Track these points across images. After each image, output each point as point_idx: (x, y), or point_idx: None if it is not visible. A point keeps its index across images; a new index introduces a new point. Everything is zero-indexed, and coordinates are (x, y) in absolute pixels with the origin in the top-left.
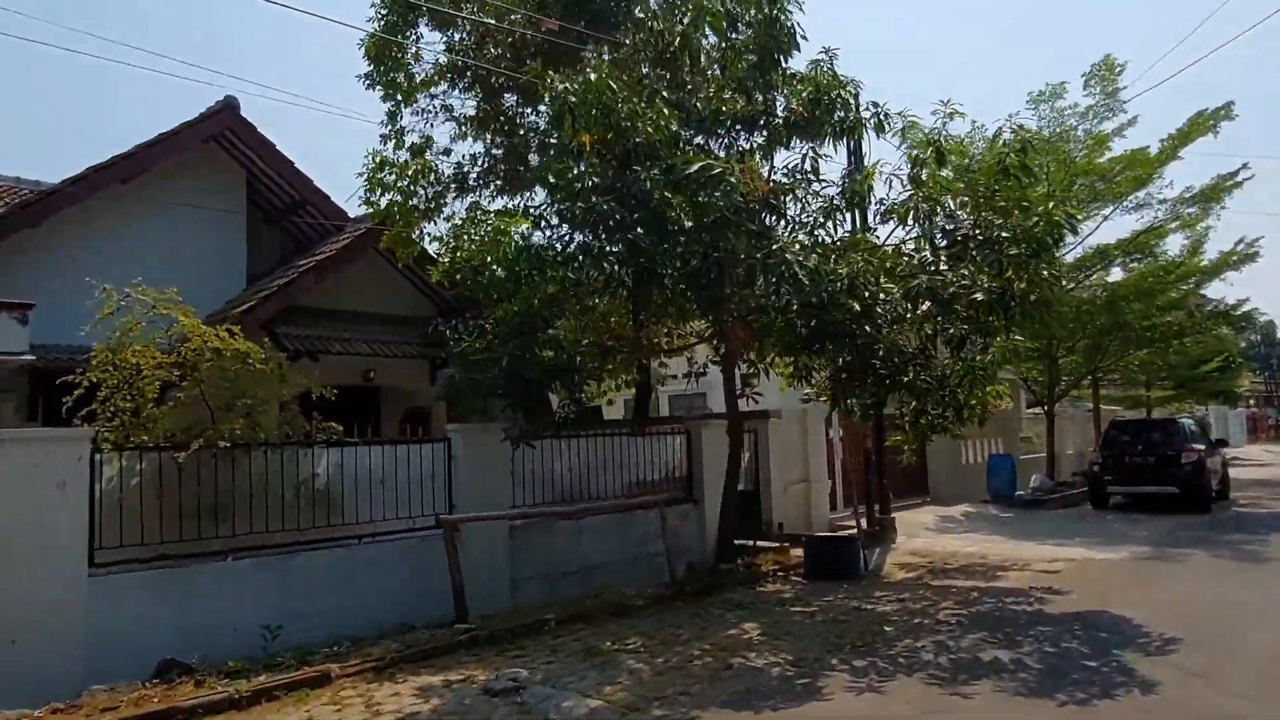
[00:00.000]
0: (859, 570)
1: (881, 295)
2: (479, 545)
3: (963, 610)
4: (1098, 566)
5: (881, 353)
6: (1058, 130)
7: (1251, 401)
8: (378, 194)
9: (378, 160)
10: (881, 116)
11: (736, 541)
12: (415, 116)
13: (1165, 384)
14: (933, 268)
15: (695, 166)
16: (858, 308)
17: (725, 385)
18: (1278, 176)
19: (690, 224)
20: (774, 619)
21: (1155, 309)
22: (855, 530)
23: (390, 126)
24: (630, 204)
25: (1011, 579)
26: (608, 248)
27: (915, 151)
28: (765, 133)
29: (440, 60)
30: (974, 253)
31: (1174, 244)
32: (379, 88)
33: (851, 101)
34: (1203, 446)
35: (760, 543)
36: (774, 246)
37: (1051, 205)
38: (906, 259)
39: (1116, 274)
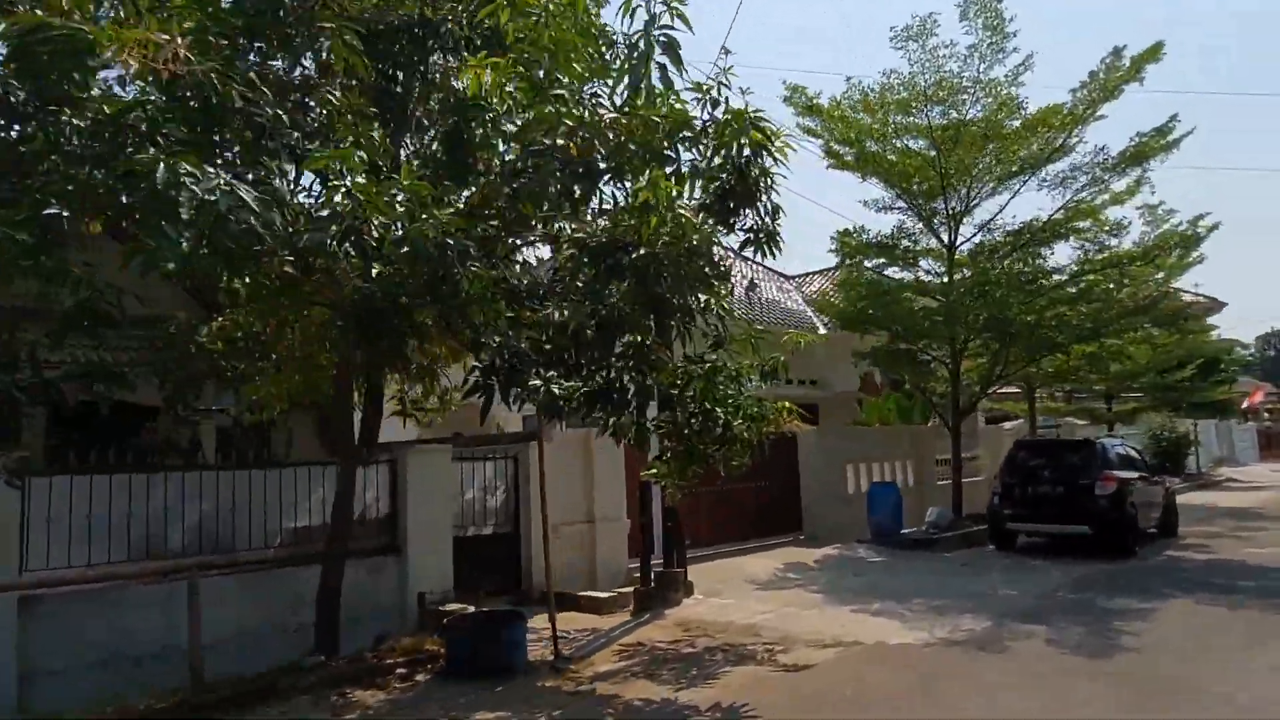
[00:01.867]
0: (518, 664)
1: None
2: None
3: None
4: (877, 659)
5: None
6: (936, 78)
7: (1266, 416)
8: None
9: None
10: None
11: (447, 607)
12: None
13: (1133, 395)
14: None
15: None
16: None
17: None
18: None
19: None
20: None
21: (1047, 302)
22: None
23: None
24: None
25: (733, 681)
26: None
27: None
28: None
29: None
30: None
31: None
32: None
33: None
34: (1131, 474)
35: (518, 607)
36: None
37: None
38: None
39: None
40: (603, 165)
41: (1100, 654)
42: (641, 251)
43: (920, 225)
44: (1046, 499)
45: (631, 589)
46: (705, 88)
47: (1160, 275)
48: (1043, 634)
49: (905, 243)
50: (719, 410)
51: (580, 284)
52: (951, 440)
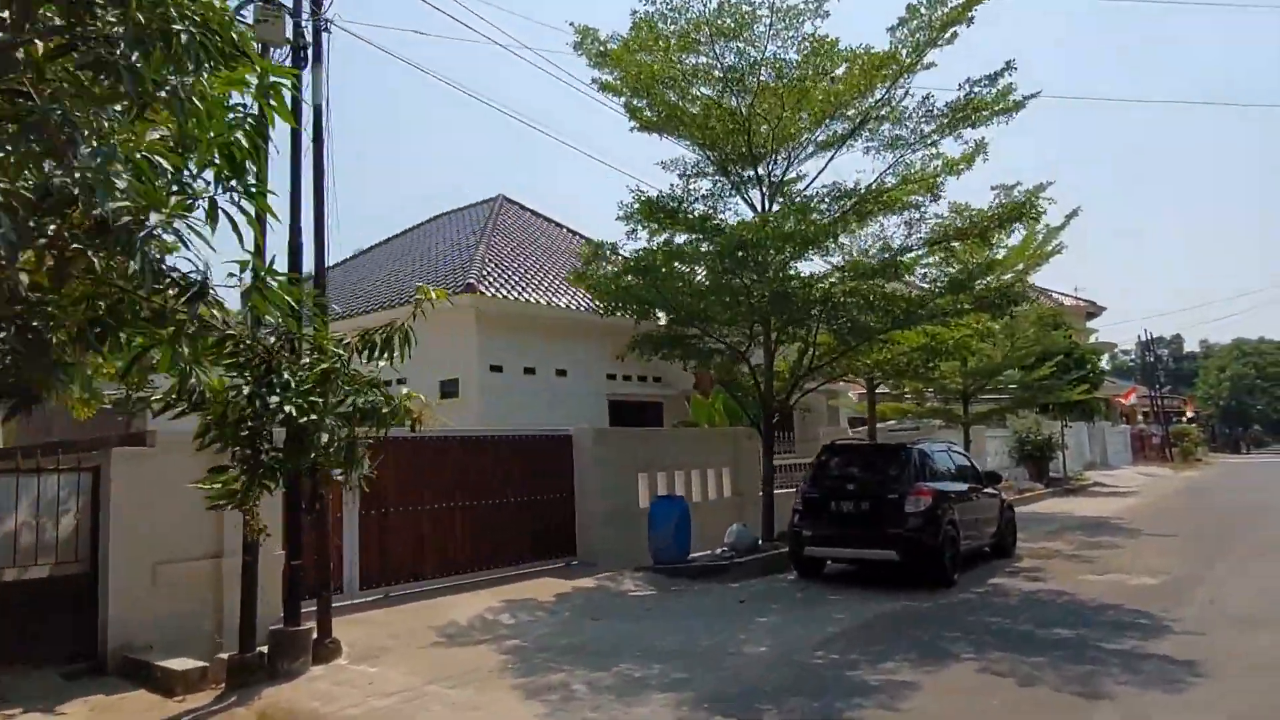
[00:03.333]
0: None
1: None
2: None
3: None
4: None
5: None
6: (716, 3)
7: (1141, 418)
8: None
9: None
10: None
11: None
12: None
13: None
14: None
15: None
16: None
17: None
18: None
19: None
20: None
21: (843, 278)
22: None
23: None
24: None
25: None
26: None
27: None
28: None
29: None
30: None
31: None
32: None
33: None
34: (956, 486)
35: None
36: None
37: None
38: None
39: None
40: None
41: None
42: None
43: (733, 192)
44: (850, 518)
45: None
46: None
47: (1020, 266)
48: None
49: (700, 207)
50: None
51: None
52: (763, 445)
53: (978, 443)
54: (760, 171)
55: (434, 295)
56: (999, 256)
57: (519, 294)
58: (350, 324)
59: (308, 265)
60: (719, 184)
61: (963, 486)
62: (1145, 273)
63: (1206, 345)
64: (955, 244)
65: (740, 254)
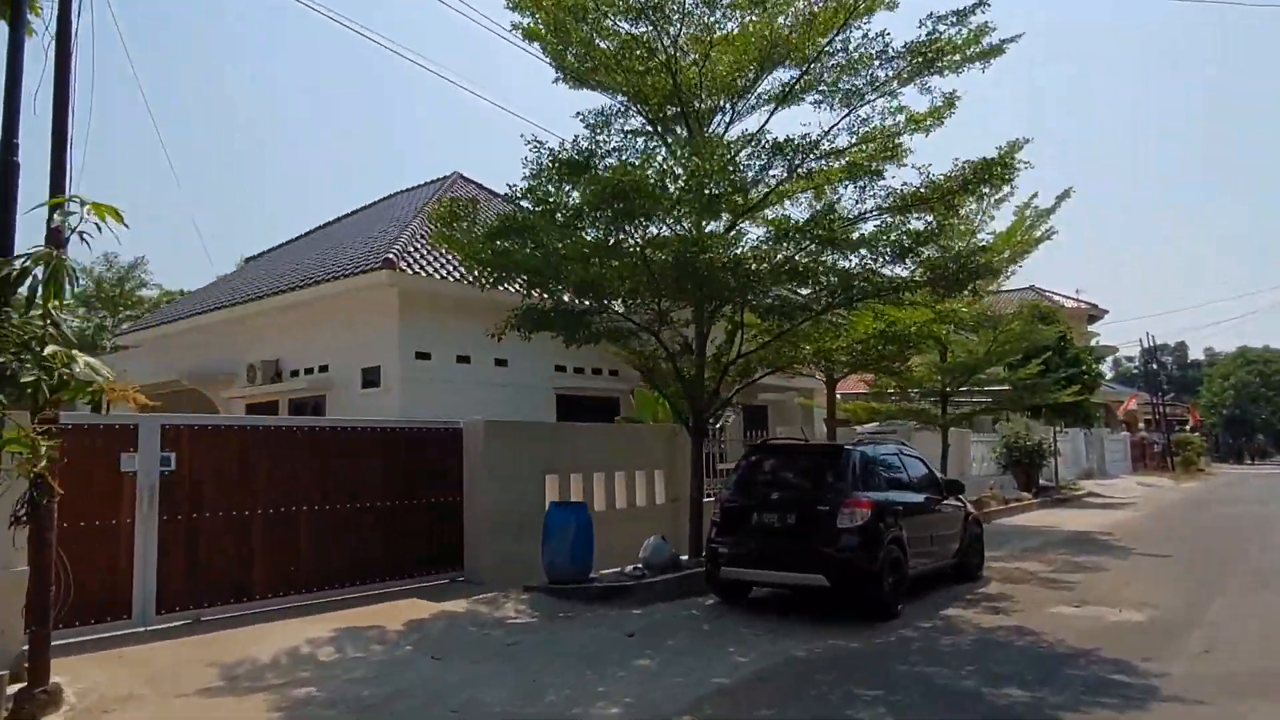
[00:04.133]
0: None
1: None
2: None
3: None
4: None
5: None
6: None
7: (1142, 426)
8: None
9: None
10: None
11: None
12: None
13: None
14: None
15: None
16: None
17: None
18: None
19: None
20: None
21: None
22: None
23: None
24: None
25: None
26: None
27: None
28: None
29: None
30: None
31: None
32: None
33: None
34: (905, 497)
35: None
36: None
37: None
38: None
39: None
40: None
41: None
42: None
43: (660, 146)
44: (774, 533)
45: None
46: None
47: (1005, 254)
48: None
49: (609, 160)
50: None
51: None
52: (693, 446)
53: (961, 447)
54: (695, 126)
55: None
56: (983, 244)
57: (449, 273)
58: (271, 303)
59: (34, 187)
60: (653, 143)
61: (915, 497)
62: (1154, 277)
63: (1212, 353)
64: (923, 216)
65: (621, 205)
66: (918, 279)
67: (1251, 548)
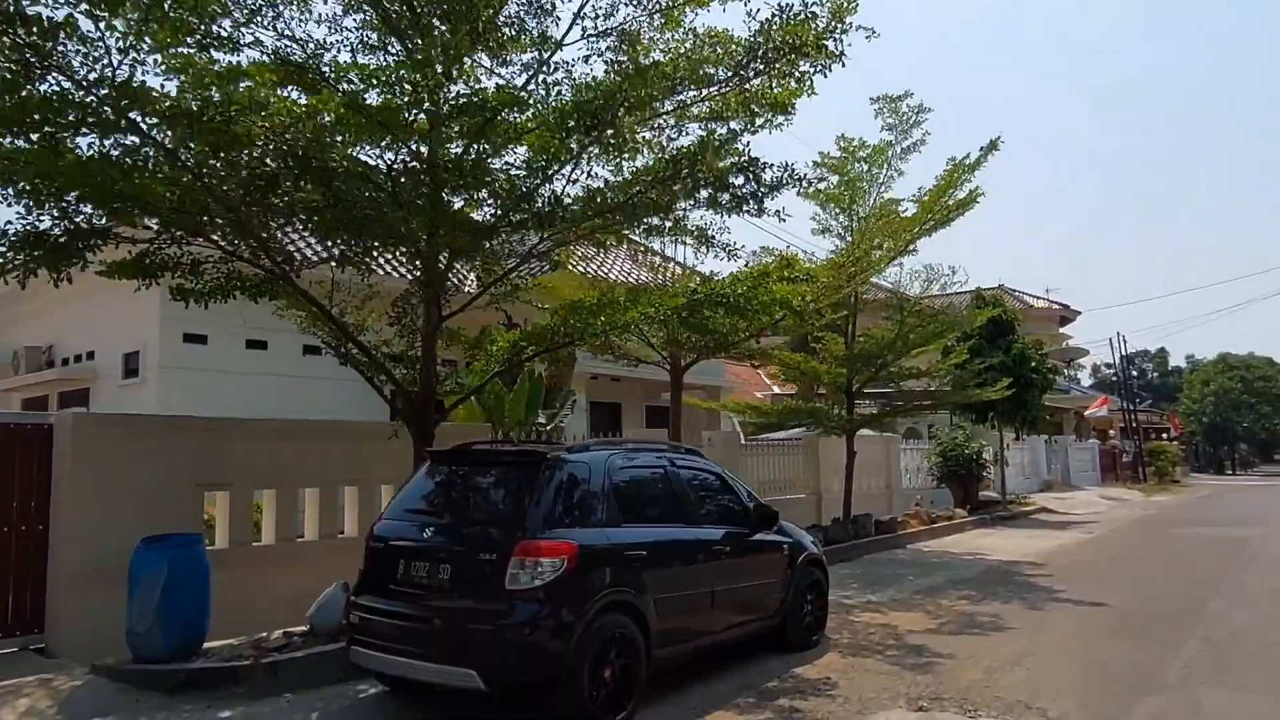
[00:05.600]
0: None
1: None
2: None
3: None
4: None
5: None
6: None
7: (1112, 434)
8: None
9: None
10: None
11: None
12: None
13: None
14: None
15: None
16: None
17: None
18: None
19: None
20: None
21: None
22: None
23: None
24: None
25: None
26: None
27: None
28: None
29: None
30: None
31: None
32: None
33: None
34: (650, 535)
35: None
36: None
37: None
38: None
39: None
40: None
41: None
42: None
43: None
44: (419, 595)
45: None
46: None
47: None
48: None
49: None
50: None
51: None
52: (414, 451)
53: (888, 456)
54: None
55: None
56: (907, 214)
57: None
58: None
59: None
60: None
61: (689, 534)
62: (1148, 278)
63: (1193, 360)
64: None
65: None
66: (699, 193)
67: (1216, 596)
